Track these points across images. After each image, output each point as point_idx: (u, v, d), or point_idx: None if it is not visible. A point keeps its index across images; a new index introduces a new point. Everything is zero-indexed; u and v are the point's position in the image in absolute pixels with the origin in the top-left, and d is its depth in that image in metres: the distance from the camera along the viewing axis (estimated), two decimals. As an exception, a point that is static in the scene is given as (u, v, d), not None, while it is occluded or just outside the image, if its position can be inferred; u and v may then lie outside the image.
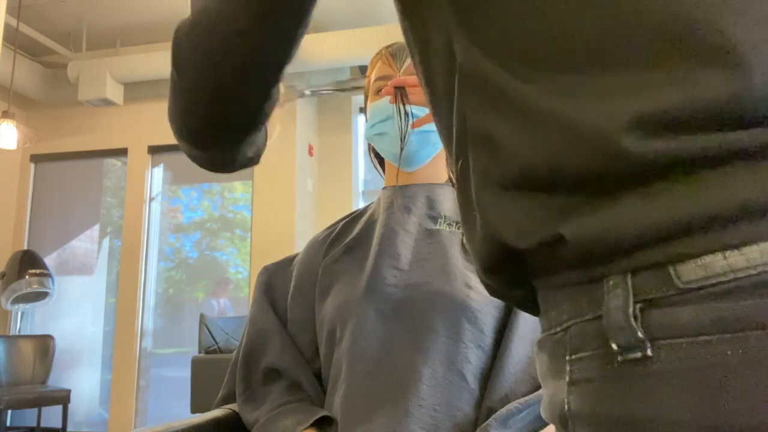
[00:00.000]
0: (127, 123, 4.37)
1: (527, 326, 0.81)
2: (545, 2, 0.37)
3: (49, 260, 4.33)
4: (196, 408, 2.85)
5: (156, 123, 4.31)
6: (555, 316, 0.38)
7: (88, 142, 4.46)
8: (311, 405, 0.85)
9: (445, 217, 0.91)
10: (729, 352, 0.30)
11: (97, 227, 4.60)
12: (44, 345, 4.03)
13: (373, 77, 0.97)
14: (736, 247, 0.30)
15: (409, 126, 0.88)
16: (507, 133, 0.38)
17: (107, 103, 4.06)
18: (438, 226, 0.90)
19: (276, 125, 0.83)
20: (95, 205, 4.63)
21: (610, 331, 0.33)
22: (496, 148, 0.38)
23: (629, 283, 0.33)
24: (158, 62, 4.02)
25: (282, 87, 0.84)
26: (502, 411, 0.74)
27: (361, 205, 4.26)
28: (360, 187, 4.40)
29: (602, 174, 0.34)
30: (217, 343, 3.20)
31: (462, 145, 0.42)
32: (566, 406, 0.36)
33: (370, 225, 0.94)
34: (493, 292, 0.46)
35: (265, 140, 0.70)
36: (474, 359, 0.78)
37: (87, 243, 4.58)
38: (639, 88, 0.33)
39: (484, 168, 0.40)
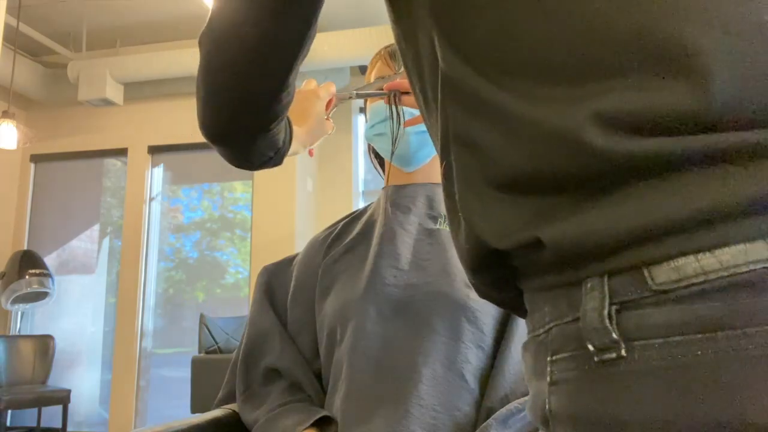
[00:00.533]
0: (127, 123, 4.37)
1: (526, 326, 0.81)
2: (513, 14, 0.38)
3: (49, 260, 4.33)
4: (196, 408, 2.85)
5: (156, 123, 4.31)
6: (538, 318, 0.39)
7: (88, 142, 4.46)
8: (311, 405, 0.85)
9: (445, 216, 0.91)
10: (699, 352, 0.30)
11: (97, 227, 4.60)
12: (44, 345, 4.03)
13: (372, 77, 0.97)
14: (708, 249, 0.31)
15: (402, 127, 0.89)
16: (486, 137, 0.39)
17: (107, 103, 4.06)
18: (438, 226, 0.90)
19: (328, 126, 0.85)
20: (95, 205, 4.63)
21: (586, 332, 0.34)
22: (477, 152, 0.39)
23: (606, 286, 0.34)
24: (158, 62, 4.02)
25: (328, 86, 0.86)
26: (502, 411, 0.74)
27: (361, 205, 4.25)
28: (360, 187, 4.41)
29: (573, 174, 0.34)
30: (217, 343, 3.20)
31: (446, 148, 0.43)
32: (547, 407, 0.37)
33: (370, 225, 0.94)
34: (481, 293, 0.47)
35: (289, 142, 0.71)
36: (474, 359, 0.79)
37: (87, 243, 4.58)
38: (602, 92, 0.34)
39: (466, 171, 0.41)
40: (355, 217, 1.00)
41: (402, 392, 0.76)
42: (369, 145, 1.04)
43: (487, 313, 0.81)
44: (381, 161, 1.04)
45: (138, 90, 4.23)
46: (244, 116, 0.60)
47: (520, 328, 0.81)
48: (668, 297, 0.32)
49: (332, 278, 0.90)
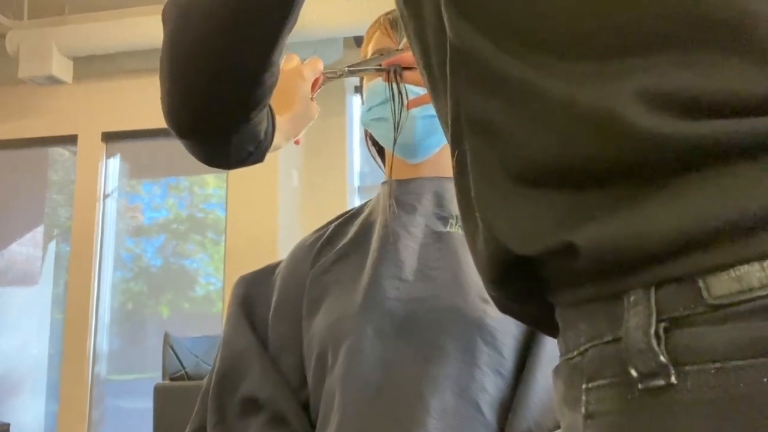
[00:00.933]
0: (77, 105, 4.36)
1: (555, 348, 0.81)
2: None
3: (-16, 269, 4.33)
4: (159, 445, 2.85)
5: (111, 105, 4.31)
6: (572, 338, 0.39)
7: (31, 128, 4.46)
8: (297, 442, 0.85)
9: (457, 217, 0.91)
10: (766, 380, 0.30)
11: (41, 229, 4.59)
12: (-22, 370, 4.02)
13: (369, 50, 0.98)
14: None
15: (405, 109, 0.89)
16: (506, 120, 0.39)
17: (53, 81, 4.06)
18: (449, 228, 0.90)
19: (313, 110, 0.85)
20: (39, 202, 4.63)
21: (629, 354, 0.34)
22: (495, 139, 0.39)
23: (652, 299, 0.33)
24: (114, 32, 4.02)
25: (314, 63, 0.86)
26: (526, 449, 0.74)
27: (357, 203, 4.24)
28: (355, 182, 4.41)
29: (613, 164, 0.34)
30: (184, 367, 3.20)
31: (458, 135, 0.43)
32: None
33: (368, 227, 0.94)
34: (502, 308, 0.47)
35: (271, 134, 0.72)
36: (491, 387, 0.79)
37: (29, 248, 4.58)
38: (647, 67, 0.34)
39: (483, 162, 0.40)
40: (349, 217, 1.00)
41: (406, 426, 0.76)
42: (366, 132, 1.04)
43: (508, 332, 0.81)
44: (381, 151, 1.04)
45: (90, 66, 4.23)
46: (219, 104, 0.60)
47: (548, 349, 0.81)
48: (728, 313, 0.31)
49: (322, 290, 0.90)
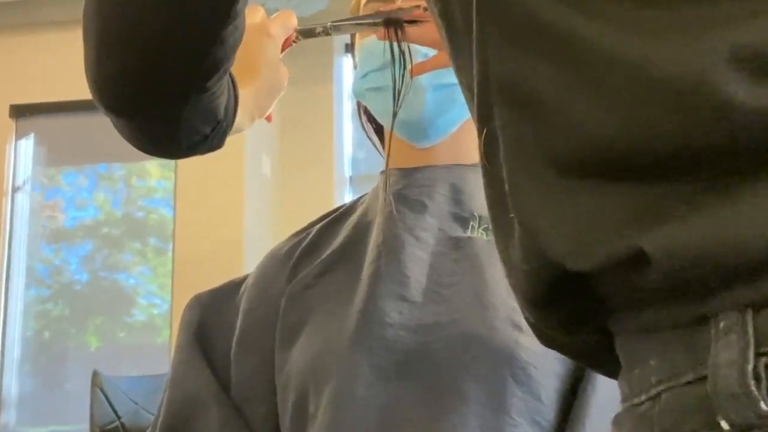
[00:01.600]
0: (-22, 69, 4.37)
1: (611, 390, 0.81)
2: None
3: None
4: None
5: (23, 70, 4.31)
6: (639, 378, 0.39)
7: None
8: None
9: (480, 218, 0.91)
10: None
11: (-71, 233, 4.60)
12: None
13: (362, 1, 0.98)
14: None
15: (408, 74, 0.89)
16: (553, 87, 0.38)
17: (-54, 36, 4.06)
18: (469, 233, 0.90)
19: (283, 75, 0.85)
20: (-73, 198, 4.63)
21: (718, 400, 0.34)
22: (538, 112, 0.39)
23: (749, 326, 0.33)
24: (27, -28, 4.02)
25: (285, 17, 0.86)
26: None
27: (348, 198, 4.25)
28: (346, 171, 4.41)
29: (702, 147, 0.34)
30: (119, 417, 3.20)
31: (485, 108, 0.43)
32: None
33: (362, 230, 0.94)
34: (544, 339, 0.47)
35: (233, 110, 0.72)
36: (526, 442, 0.79)
37: None
38: (746, 15, 0.33)
39: (521, 144, 0.40)
40: (338, 217, 1.00)
41: (412, 494, 0.77)
42: (360, 105, 1.04)
43: (548, 369, 0.82)
44: (379, 130, 1.04)
45: (-6, 16, 4.23)
46: (167, 68, 0.60)
47: (600, 392, 0.81)
48: None
49: (302, 314, 0.90)
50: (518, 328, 0.82)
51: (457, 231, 0.91)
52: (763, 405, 0.32)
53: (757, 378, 0.32)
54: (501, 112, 0.41)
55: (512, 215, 0.41)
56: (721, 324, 0.34)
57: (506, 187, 0.41)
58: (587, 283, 0.39)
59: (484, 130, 0.43)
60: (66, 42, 4.22)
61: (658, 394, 0.37)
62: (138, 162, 4.47)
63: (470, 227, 0.91)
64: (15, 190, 4.40)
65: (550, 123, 0.38)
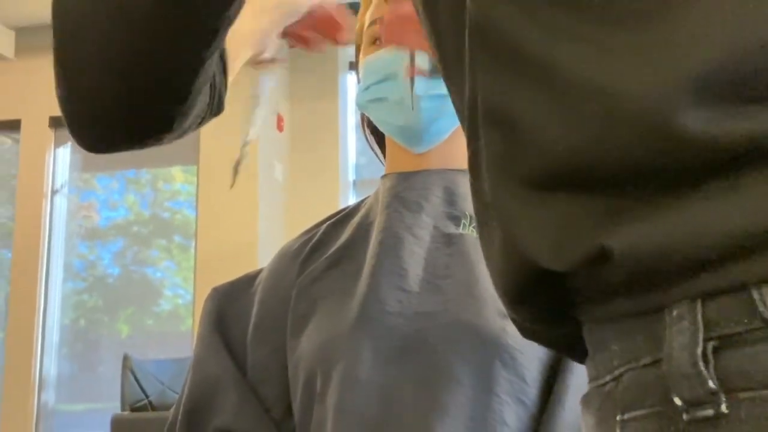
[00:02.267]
0: (21, 84, 4.37)
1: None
2: None
3: None
4: (117, 488, 2.85)
5: (61, 84, 4.31)
6: (603, 361, 0.40)
7: (-35, 112, 4.47)
8: (281, 484, 0.85)
9: (471, 217, 0.91)
10: None
11: (-23, 232, 4.60)
12: None
13: (367, 20, 0.98)
14: None
15: (410, 80, 0.88)
16: (531, 109, 0.39)
17: (-8, 56, 4.06)
18: (461, 230, 0.90)
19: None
20: (-25, 200, 4.63)
21: (672, 379, 0.34)
22: (518, 133, 0.39)
23: (699, 314, 0.34)
24: (64, -2, 4.02)
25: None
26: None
27: (352, 200, 4.24)
28: (350, 176, 4.42)
29: (657, 164, 0.34)
30: (147, 396, 3.20)
31: (473, 128, 0.43)
32: None
33: (365, 229, 0.94)
34: (524, 331, 0.47)
35: (224, 85, 0.69)
36: (511, 419, 0.79)
37: (-37, 254, 4.59)
38: (708, 34, 0.34)
39: (502, 159, 0.41)
40: (343, 217, 1.00)
41: (410, 466, 0.76)
42: (363, 116, 1.04)
43: (531, 353, 0.81)
44: (380, 139, 1.04)
45: (36, 38, 4.23)
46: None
47: (578, 373, 0.81)
48: None
49: (311, 304, 0.90)
50: (505, 316, 0.82)
51: (451, 228, 0.91)
52: (710, 383, 0.33)
53: (705, 360, 0.33)
54: (485, 132, 0.42)
55: (495, 223, 0.42)
56: (675, 312, 0.34)
57: (489, 197, 0.42)
58: (560, 280, 0.39)
59: (472, 147, 0.44)
60: (99, 61, 4.23)
61: (621, 375, 0.38)
62: (164, 168, 4.47)
63: (462, 225, 0.91)
64: (54, 192, 4.40)
65: (527, 142, 0.39)
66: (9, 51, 4.13)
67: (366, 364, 0.82)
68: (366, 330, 0.83)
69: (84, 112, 0.59)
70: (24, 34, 4.20)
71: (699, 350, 0.33)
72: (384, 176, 0.99)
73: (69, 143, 4.46)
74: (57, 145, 4.43)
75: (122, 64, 0.55)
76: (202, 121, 0.67)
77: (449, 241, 0.90)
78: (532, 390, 0.81)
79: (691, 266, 0.34)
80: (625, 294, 0.37)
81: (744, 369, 0.32)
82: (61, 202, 4.44)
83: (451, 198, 0.93)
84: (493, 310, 0.83)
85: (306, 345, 0.88)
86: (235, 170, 0.89)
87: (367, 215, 0.97)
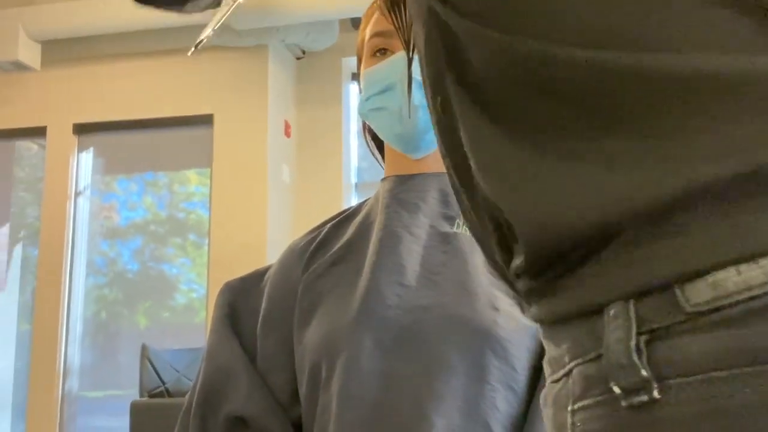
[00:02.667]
0: (46, 94, 4.36)
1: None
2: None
3: (-56, 274, 4.34)
4: (136, 468, 2.85)
5: (84, 94, 4.31)
6: (557, 359, 0.41)
7: (-5, 119, 4.46)
8: (288, 465, 0.85)
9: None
10: (747, 390, 0.31)
11: (6, 230, 4.60)
12: (-63, 386, 4.02)
13: (367, 34, 0.98)
14: (751, 259, 0.32)
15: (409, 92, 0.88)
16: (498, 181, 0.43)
17: (20, 67, 4.06)
18: (456, 229, 0.90)
19: None
20: (4, 201, 4.63)
21: (611, 370, 0.35)
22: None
23: (632, 311, 0.35)
24: (86, 13, 4.02)
25: None
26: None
27: (354, 201, 4.23)
28: (352, 178, 4.41)
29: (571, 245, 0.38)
30: (164, 383, 3.20)
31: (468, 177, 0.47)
32: None
33: (366, 228, 0.94)
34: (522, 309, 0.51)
35: None
36: (502, 404, 0.79)
37: (-7, 252, 4.58)
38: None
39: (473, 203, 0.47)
40: (345, 217, 1.00)
41: (408, 449, 0.76)
42: (364, 124, 1.04)
43: (520, 343, 0.81)
44: (380, 145, 1.04)
45: (60, 50, 4.23)
46: None
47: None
48: (706, 321, 0.33)
49: (316, 298, 0.90)
50: (496, 310, 0.82)
51: (446, 228, 0.91)
52: (643, 372, 0.34)
53: (639, 351, 0.34)
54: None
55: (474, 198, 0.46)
56: (612, 312, 0.36)
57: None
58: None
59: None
60: (120, 72, 4.23)
61: (571, 370, 0.39)
62: (179, 171, 4.46)
63: (456, 224, 0.91)
64: (77, 195, 4.40)
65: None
66: (35, 62, 4.13)
67: (367, 354, 0.82)
68: (367, 322, 0.84)
69: None
70: (49, 47, 4.19)
71: (633, 343, 0.34)
72: (384, 179, 0.99)
73: (91, 148, 4.46)
74: (80, 150, 4.42)
75: None
76: (206, 6, 0.74)
77: (444, 239, 0.90)
78: (521, 377, 0.81)
79: (628, 264, 0.35)
80: (569, 297, 0.38)
81: (672, 358, 0.33)
82: (83, 204, 4.43)
83: (446, 199, 0.93)
84: (485, 304, 0.83)
85: (311, 336, 0.88)
86: (195, 46, 0.93)
87: (368, 215, 0.97)
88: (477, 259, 0.87)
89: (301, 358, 0.89)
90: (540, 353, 0.83)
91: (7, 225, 4.62)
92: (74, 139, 4.38)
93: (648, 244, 0.35)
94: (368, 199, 1.01)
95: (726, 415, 0.31)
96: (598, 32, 0.37)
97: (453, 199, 0.93)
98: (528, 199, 0.40)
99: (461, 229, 0.90)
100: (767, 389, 0.31)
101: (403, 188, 0.94)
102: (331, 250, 0.94)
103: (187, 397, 0.97)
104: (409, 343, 0.82)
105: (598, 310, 0.36)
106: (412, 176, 0.95)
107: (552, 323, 0.41)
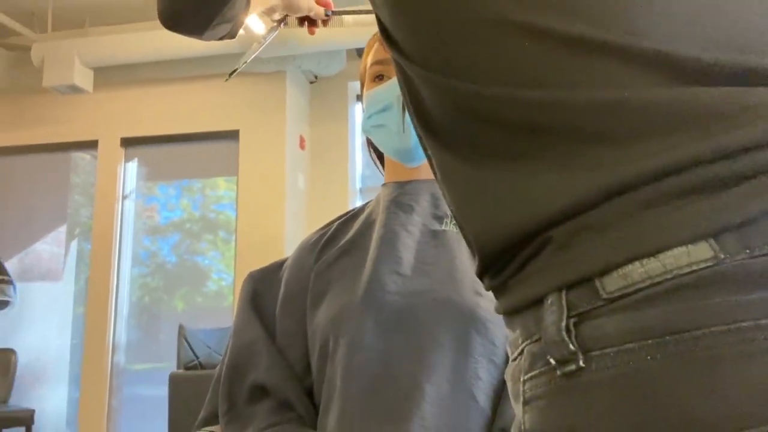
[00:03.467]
0: (98, 112, 4.36)
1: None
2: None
3: (10, 265, 4.33)
4: (174, 430, 2.85)
5: (129, 112, 4.31)
6: (513, 342, 0.43)
7: (55, 134, 4.46)
8: (302, 426, 0.85)
9: (452, 216, 0.91)
10: (649, 358, 0.34)
11: (63, 228, 4.59)
12: (5, 360, 4.02)
13: (369, 61, 0.97)
14: (651, 254, 0.35)
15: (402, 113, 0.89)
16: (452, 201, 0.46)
17: (75, 89, 4.05)
18: (444, 227, 0.90)
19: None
20: (62, 203, 4.63)
21: (547, 346, 0.38)
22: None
23: (563, 299, 0.37)
24: (132, 44, 4.02)
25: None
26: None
27: (359, 203, 4.24)
28: (357, 184, 4.41)
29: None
30: (197, 357, 3.19)
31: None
32: (522, 426, 0.40)
33: (368, 225, 0.94)
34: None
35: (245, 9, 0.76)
36: (485, 375, 0.79)
37: (53, 246, 4.58)
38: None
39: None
40: (351, 216, 1.00)
41: (403, 412, 0.76)
42: (367, 139, 1.04)
43: (499, 323, 0.81)
44: (380, 156, 1.04)
45: (109, 75, 4.23)
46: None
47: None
48: (619, 305, 0.35)
49: (325, 285, 0.90)
50: (479, 295, 0.82)
51: (436, 226, 0.91)
52: (571, 346, 0.36)
53: (568, 330, 0.37)
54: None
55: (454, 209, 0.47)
56: (549, 300, 0.38)
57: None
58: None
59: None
60: (160, 94, 4.23)
61: (522, 350, 0.41)
62: (210, 178, 4.46)
63: (445, 223, 0.91)
64: (124, 198, 4.40)
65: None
66: (89, 86, 4.12)
67: (369, 332, 0.82)
68: (369, 305, 0.83)
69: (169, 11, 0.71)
70: (100, 72, 4.19)
71: (563, 324, 0.37)
72: (384, 185, 0.99)
73: (136, 159, 4.46)
74: (126, 160, 4.42)
75: None
76: (222, 38, 0.78)
77: (435, 235, 0.90)
78: (500, 351, 0.81)
79: (559, 263, 0.38)
80: (517, 290, 0.41)
81: (593, 335, 0.36)
82: (129, 206, 4.43)
83: (436, 202, 0.93)
84: (470, 290, 0.83)
85: (322, 316, 0.88)
86: (230, 75, 0.96)
87: (370, 215, 0.97)
88: (462, 252, 0.87)
89: (312, 336, 0.89)
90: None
91: (65, 224, 4.62)
92: (121, 150, 4.38)
93: (574, 245, 0.37)
94: (370, 201, 1.01)
95: (634, 377, 0.34)
96: (512, 74, 0.40)
97: (442, 202, 0.93)
98: (474, 211, 0.43)
99: (449, 227, 0.90)
100: (663, 356, 0.33)
101: (400, 192, 0.94)
102: (338, 244, 0.94)
103: (217, 368, 0.97)
104: (405, 323, 0.82)
105: (540, 300, 0.39)
106: (407, 182, 0.95)
107: (510, 314, 0.43)
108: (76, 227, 4.64)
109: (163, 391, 3.00)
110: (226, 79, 0.94)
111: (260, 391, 0.89)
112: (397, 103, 0.90)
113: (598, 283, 0.36)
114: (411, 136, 0.91)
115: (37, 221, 4.59)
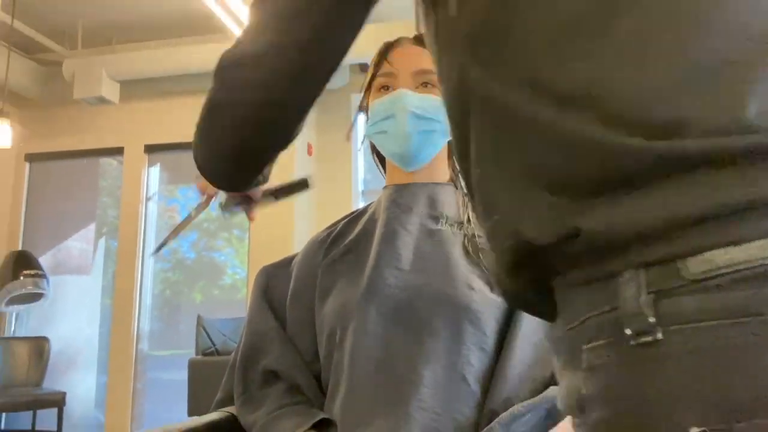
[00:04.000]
0: (123, 122, 4.36)
1: (529, 328, 0.81)
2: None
3: (44, 261, 4.33)
4: (193, 411, 2.85)
5: (152, 122, 4.31)
6: (572, 313, 0.41)
7: (84, 141, 4.46)
8: (310, 408, 0.85)
9: (447, 217, 0.91)
10: (728, 336, 0.34)
11: (92, 227, 4.60)
12: (39, 347, 4.02)
13: (376, 73, 0.97)
14: (736, 243, 0.34)
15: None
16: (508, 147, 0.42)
17: (103, 101, 4.06)
18: (440, 226, 0.90)
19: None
20: (91, 204, 4.63)
21: (624, 318, 0.37)
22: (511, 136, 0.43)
23: (642, 277, 0.36)
24: (155, 59, 4.02)
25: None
26: (506, 414, 0.75)
27: (361, 204, 4.24)
28: (360, 187, 4.41)
29: (609, 177, 0.37)
30: (214, 345, 3.20)
31: (461, 113, 0.46)
32: (583, 391, 0.39)
33: (371, 225, 0.94)
34: (512, 298, 0.48)
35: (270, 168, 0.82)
36: (476, 361, 0.79)
37: (82, 243, 4.58)
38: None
39: (495, 155, 0.44)
40: (355, 216, 1.00)
41: (403, 395, 0.76)
42: (371, 144, 1.04)
43: (490, 315, 0.81)
44: (382, 160, 1.04)
45: (134, 88, 4.23)
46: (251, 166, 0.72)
47: (523, 330, 0.81)
48: (701, 286, 0.35)
49: (332, 279, 0.90)
50: (472, 289, 0.82)
51: (432, 225, 0.90)
52: (651, 318, 0.36)
53: (647, 304, 0.36)
54: (476, 122, 0.45)
55: (497, 217, 0.44)
56: (626, 276, 0.37)
57: (475, 183, 0.45)
58: (544, 254, 0.41)
59: (457, 133, 0.48)
60: (181, 105, 4.22)
61: (585, 320, 0.40)
62: (226, 181, 4.46)
63: (440, 223, 0.91)
64: (147, 200, 4.40)
65: (532, 158, 0.41)
66: (115, 98, 4.13)
67: (372, 322, 0.82)
68: (372, 298, 0.83)
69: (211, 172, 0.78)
70: (126, 85, 4.19)
71: (643, 298, 0.36)
72: (385, 187, 0.99)
73: (158, 164, 4.46)
74: (150, 165, 4.42)
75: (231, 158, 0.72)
76: (257, 185, 0.86)
77: (431, 234, 0.89)
78: (490, 341, 0.81)
79: (639, 244, 0.36)
80: (590, 265, 0.39)
81: (672, 311, 0.35)
82: (152, 207, 4.43)
83: (432, 203, 0.93)
84: (463, 284, 0.83)
85: (329, 308, 0.88)
86: (162, 243, 0.99)
87: (372, 215, 0.97)
88: (456, 250, 0.87)
89: (320, 325, 0.89)
90: (505, 323, 0.83)
91: (94, 223, 4.62)
92: (145, 156, 4.38)
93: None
94: (373, 202, 1.01)
95: (710, 352, 0.34)
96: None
97: (438, 203, 0.93)
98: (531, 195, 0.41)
99: (444, 227, 0.90)
100: (743, 335, 0.33)
101: (399, 194, 0.94)
102: (344, 242, 0.94)
103: (232, 355, 0.97)
104: (404, 314, 0.82)
105: (613, 276, 0.38)
106: (406, 185, 0.95)
107: (570, 286, 0.42)
108: (103, 226, 4.64)
109: (183, 376, 3.01)
110: (152, 255, 0.97)
111: (272, 376, 0.89)
112: (400, 113, 0.90)
113: (680, 264, 0.35)
114: (411, 144, 0.91)
115: (69, 221, 4.59)
